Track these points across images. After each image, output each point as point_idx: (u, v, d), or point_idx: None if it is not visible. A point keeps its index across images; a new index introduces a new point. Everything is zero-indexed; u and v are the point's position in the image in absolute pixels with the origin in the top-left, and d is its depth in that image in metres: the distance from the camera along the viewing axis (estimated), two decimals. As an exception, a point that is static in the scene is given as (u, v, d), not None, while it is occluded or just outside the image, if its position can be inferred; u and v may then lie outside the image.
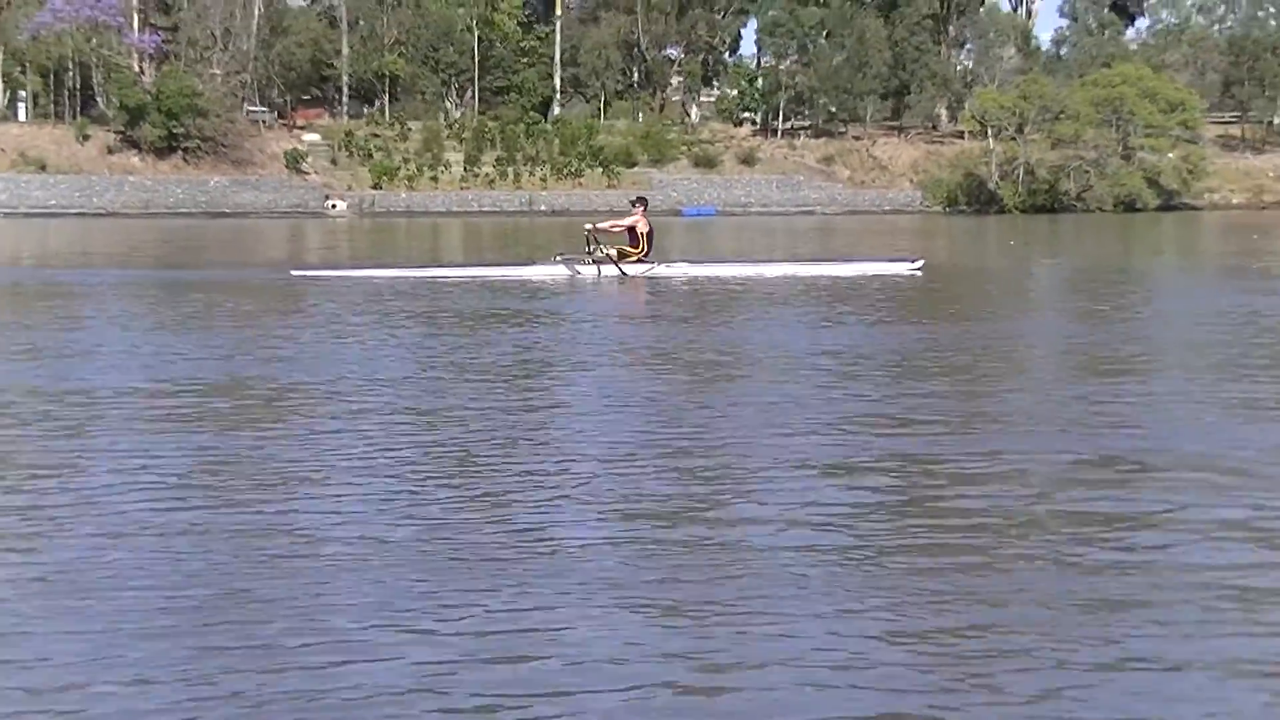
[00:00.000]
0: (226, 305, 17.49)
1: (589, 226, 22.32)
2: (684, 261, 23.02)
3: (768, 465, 7.23)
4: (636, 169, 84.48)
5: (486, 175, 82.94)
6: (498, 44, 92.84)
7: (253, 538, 5.83)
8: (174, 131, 78.34)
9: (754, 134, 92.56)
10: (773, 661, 4.37)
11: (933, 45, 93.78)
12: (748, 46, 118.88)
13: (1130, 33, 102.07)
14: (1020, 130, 74.98)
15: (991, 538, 5.78)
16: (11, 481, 6.93)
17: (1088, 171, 73.78)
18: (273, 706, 4.07)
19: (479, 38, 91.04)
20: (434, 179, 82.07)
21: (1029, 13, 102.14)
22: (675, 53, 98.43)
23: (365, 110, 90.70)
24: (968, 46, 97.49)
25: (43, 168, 76.67)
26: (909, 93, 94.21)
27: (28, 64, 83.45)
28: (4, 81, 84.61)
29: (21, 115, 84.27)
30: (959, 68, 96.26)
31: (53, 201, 73.92)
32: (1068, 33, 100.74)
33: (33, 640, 4.63)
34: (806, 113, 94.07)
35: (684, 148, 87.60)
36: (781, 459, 7.38)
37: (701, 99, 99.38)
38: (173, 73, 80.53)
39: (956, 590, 5.05)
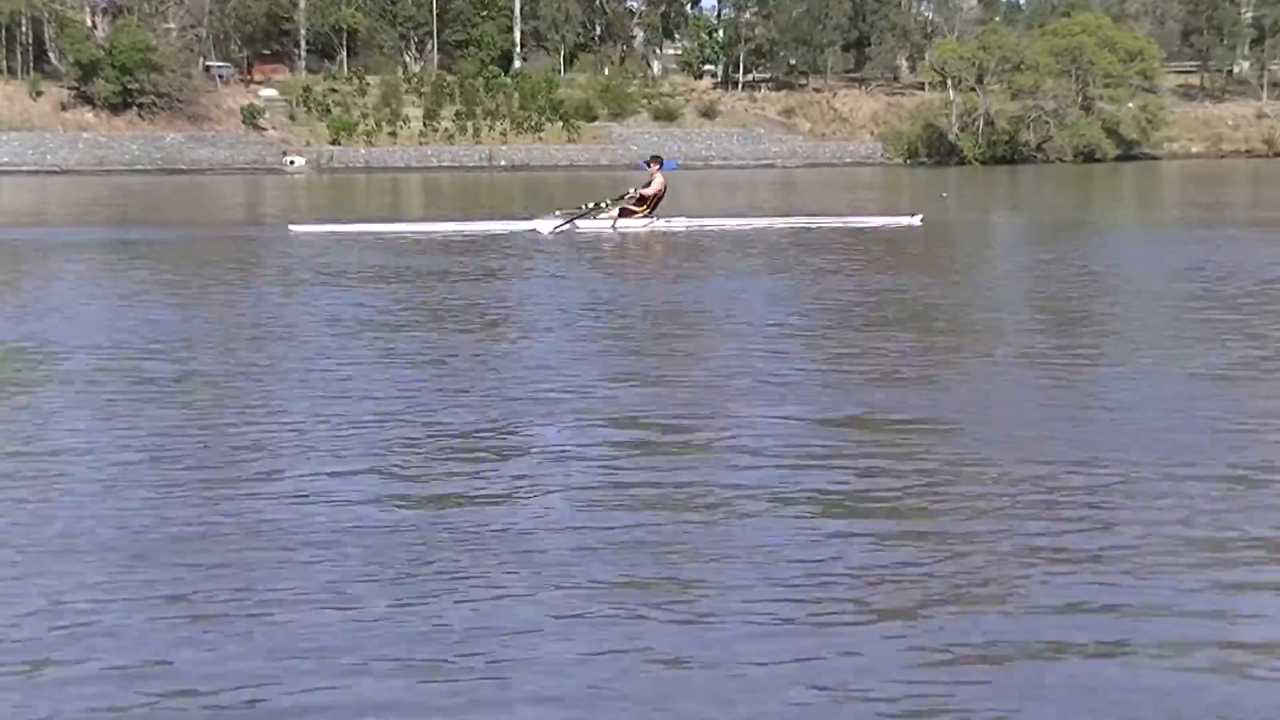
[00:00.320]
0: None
1: (632, 192, 22.30)
2: (682, 218, 22.93)
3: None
4: (597, 123, 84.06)
5: (446, 130, 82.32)
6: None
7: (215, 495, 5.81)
8: (128, 87, 77.35)
9: (715, 87, 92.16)
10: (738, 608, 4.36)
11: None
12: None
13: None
14: (980, 81, 74.92)
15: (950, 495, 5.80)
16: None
17: (1047, 122, 73.81)
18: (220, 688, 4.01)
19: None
20: (393, 134, 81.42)
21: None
22: (636, 5, 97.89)
23: (325, 65, 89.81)
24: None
25: (-5, 124, 75.79)
26: (869, 44, 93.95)
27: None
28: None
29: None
30: (919, 19, 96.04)
31: (4, 159, 72.92)
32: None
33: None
34: (767, 65, 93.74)
35: (644, 101, 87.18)
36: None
37: (664, 52, 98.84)
38: (126, 27, 79.48)
39: (936, 569, 5.05)
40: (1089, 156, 72.86)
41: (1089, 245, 19.80)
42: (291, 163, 77.50)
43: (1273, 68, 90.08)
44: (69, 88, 78.76)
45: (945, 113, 75.94)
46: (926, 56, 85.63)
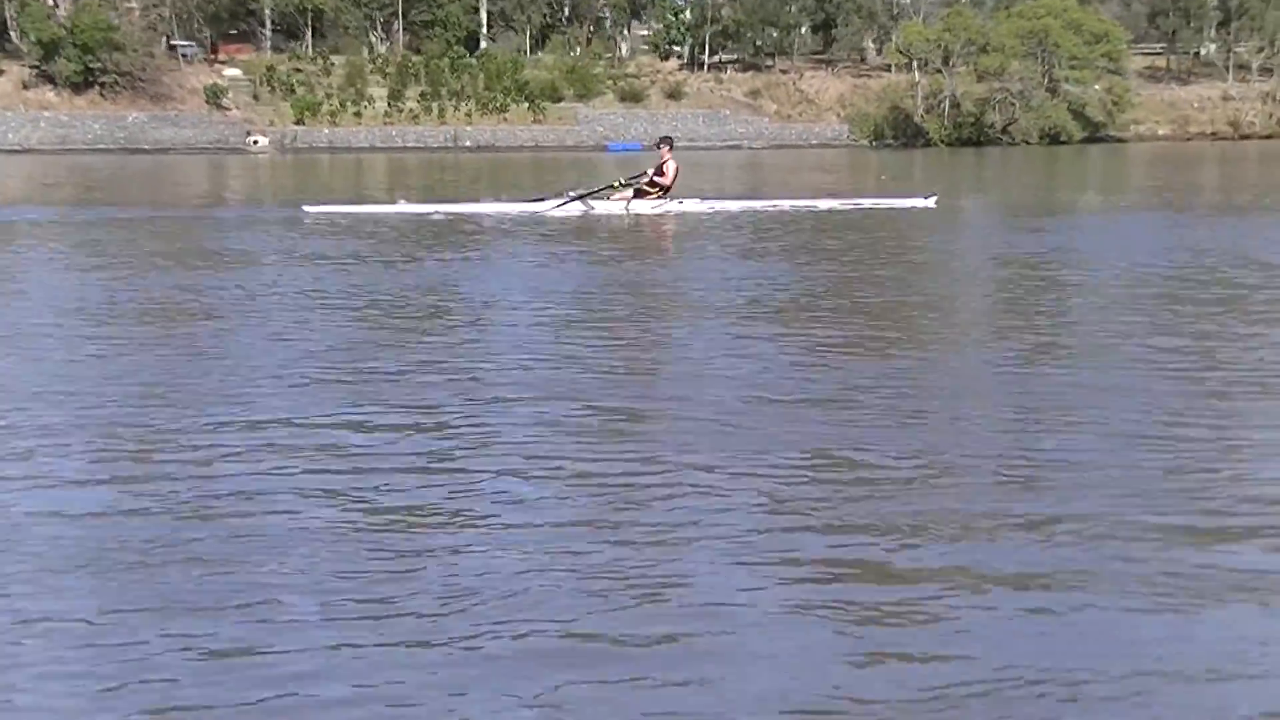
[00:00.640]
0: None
1: (647, 174, 21.89)
2: (695, 199, 22.57)
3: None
4: (562, 104, 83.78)
5: (410, 110, 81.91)
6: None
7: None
8: (90, 67, 76.70)
9: (681, 68, 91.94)
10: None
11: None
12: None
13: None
14: (946, 63, 74.98)
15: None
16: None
17: (1013, 104, 73.93)
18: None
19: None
20: (357, 114, 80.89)
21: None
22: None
23: (291, 45, 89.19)
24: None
25: (-45, 104, 75.09)
26: (836, 25, 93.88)
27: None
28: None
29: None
30: (885, 0, 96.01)
31: (-35, 138, 72.38)
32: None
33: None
34: (734, 47, 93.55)
35: (610, 82, 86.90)
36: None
37: (631, 33, 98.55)
38: (88, 6, 78.73)
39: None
40: (1054, 139, 73.02)
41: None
42: (255, 142, 77.01)
43: (1238, 50, 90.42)
44: (30, 66, 78.04)
45: (911, 95, 75.99)
46: (893, 38, 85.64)
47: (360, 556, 4.74)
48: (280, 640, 4.04)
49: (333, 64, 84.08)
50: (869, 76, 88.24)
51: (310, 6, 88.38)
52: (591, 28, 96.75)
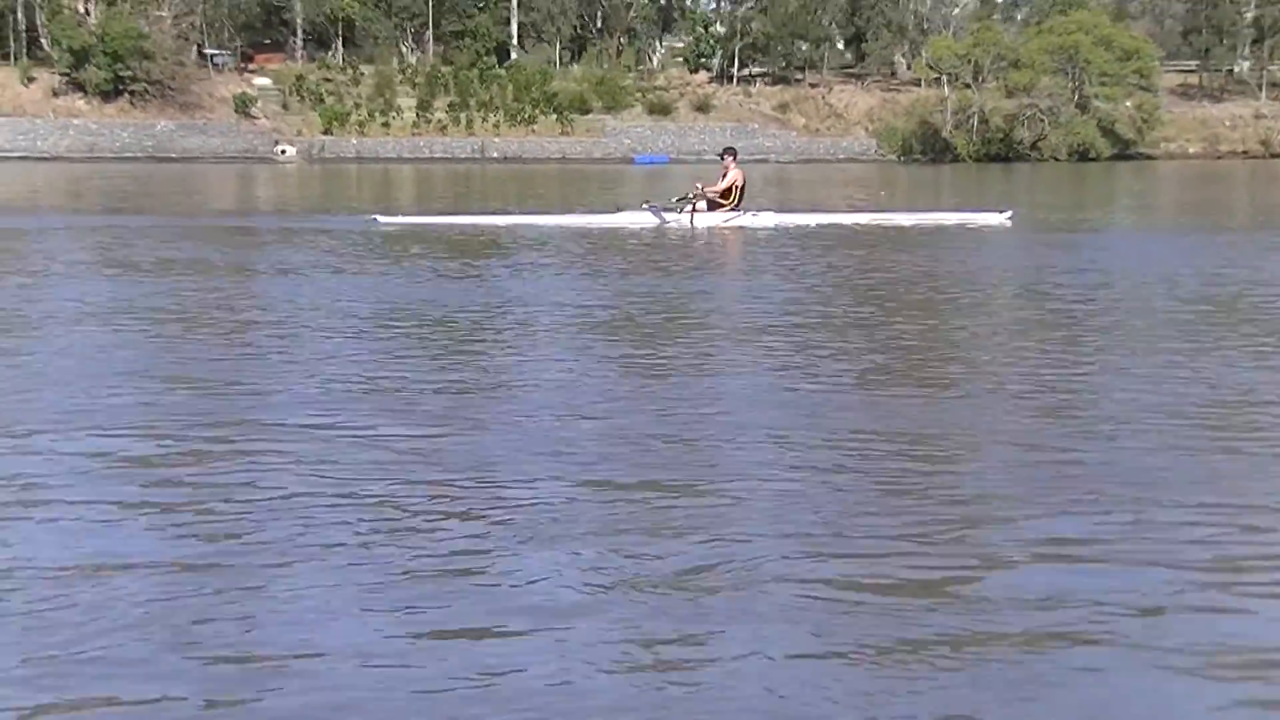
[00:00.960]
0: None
1: (698, 187, 21.69)
2: (770, 211, 22.28)
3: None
4: (590, 116, 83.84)
5: (439, 121, 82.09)
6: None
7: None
8: (120, 74, 77.08)
9: (710, 81, 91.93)
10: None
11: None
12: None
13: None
14: (975, 78, 74.78)
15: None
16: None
17: (1042, 120, 73.71)
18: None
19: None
20: (385, 125, 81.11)
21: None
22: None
23: (322, 55, 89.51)
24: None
25: (-14, 111, 75.52)
26: (865, 40, 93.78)
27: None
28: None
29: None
30: (915, 14, 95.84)
31: (-4, 145, 72.84)
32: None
33: None
34: (763, 60, 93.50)
35: (639, 95, 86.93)
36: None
37: (662, 45, 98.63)
38: (118, 15, 79.21)
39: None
40: (1083, 155, 72.74)
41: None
42: (283, 152, 77.26)
43: (1272, 68, 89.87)
44: (60, 74, 78.48)
45: (940, 110, 75.83)
46: (922, 53, 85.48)
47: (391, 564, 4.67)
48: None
49: (362, 74, 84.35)
50: (898, 91, 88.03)
51: (341, 16, 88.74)
52: (623, 40, 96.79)
